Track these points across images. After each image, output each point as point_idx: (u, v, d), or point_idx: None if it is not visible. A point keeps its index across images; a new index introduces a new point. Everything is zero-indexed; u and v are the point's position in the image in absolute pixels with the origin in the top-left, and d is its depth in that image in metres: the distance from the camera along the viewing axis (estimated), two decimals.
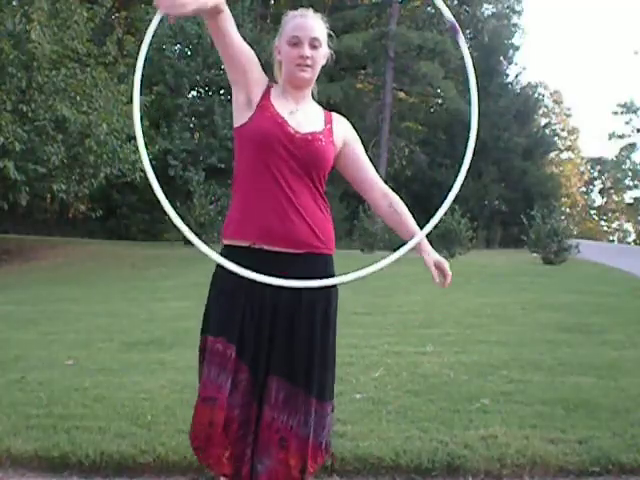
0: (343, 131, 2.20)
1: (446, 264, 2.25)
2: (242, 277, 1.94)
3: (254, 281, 1.94)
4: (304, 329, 2.05)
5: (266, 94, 2.12)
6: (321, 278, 2.01)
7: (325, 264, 2.11)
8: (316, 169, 2.08)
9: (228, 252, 2.07)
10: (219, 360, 2.09)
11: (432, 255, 2.27)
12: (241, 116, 2.11)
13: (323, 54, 2.16)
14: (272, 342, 2.04)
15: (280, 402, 2.03)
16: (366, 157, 2.24)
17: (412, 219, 2.22)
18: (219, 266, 2.06)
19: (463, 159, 1.99)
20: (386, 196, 2.21)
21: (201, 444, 2.05)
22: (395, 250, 2.00)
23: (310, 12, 2.16)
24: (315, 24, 2.13)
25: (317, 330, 2.07)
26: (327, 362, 2.11)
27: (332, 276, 2.10)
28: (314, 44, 2.11)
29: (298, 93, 2.16)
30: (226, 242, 2.12)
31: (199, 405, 2.13)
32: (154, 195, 1.89)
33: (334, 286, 2.11)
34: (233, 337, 2.04)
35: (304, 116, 2.13)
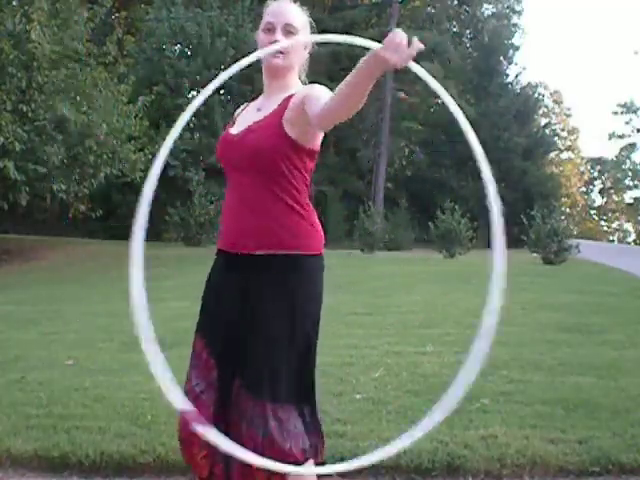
0: (298, 97, 1.96)
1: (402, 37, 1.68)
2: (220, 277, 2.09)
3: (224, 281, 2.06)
4: (254, 323, 1.99)
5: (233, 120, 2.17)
6: (276, 281, 1.97)
7: (283, 264, 1.97)
8: (257, 162, 1.94)
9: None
10: (196, 358, 2.13)
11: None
12: None
13: (300, 42, 2.05)
14: (236, 339, 2.04)
15: (234, 403, 1.99)
16: (314, 95, 1.91)
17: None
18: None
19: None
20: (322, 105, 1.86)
21: (181, 444, 2.08)
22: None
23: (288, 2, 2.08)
24: (289, 9, 2.05)
25: (263, 322, 1.98)
26: (269, 355, 1.97)
27: (290, 277, 1.98)
28: (288, 29, 2.02)
29: (277, 83, 2.07)
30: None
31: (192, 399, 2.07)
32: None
33: (294, 274, 1.98)
34: (206, 335, 2.13)
35: (256, 112, 2.07)
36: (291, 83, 2.08)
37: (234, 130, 2.08)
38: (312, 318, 2.02)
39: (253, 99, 2.19)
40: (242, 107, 2.22)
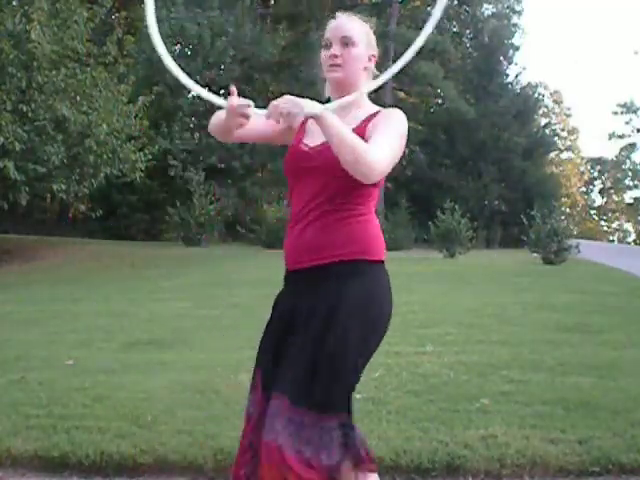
0: (373, 122, 1.99)
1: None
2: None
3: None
4: (302, 335, 1.94)
5: (302, 125, 2.04)
6: (328, 289, 1.93)
7: (334, 273, 1.95)
8: (334, 176, 1.90)
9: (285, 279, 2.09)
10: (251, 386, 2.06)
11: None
12: None
13: (358, 53, 2.01)
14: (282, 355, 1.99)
15: (269, 413, 1.93)
16: (382, 131, 1.94)
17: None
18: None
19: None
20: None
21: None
22: None
23: (345, 14, 2.07)
24: (346, 22, 2.03)
25: (316, 335, 1.92)
26: (328, 368, 1.93)
27: (347, 284, 1.95)
28: (344, 41, 1.99)
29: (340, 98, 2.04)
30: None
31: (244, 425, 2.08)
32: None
33: (351, 289, 1.95)
34: (260, 363, 2.04)
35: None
36: (360, 95, 2.04)
37: (308, 141, 2.01)
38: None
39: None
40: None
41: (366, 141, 1.89)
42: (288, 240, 2.01)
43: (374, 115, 2.02)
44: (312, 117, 1.84)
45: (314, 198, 1.94)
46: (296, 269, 1.99)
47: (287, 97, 1.83)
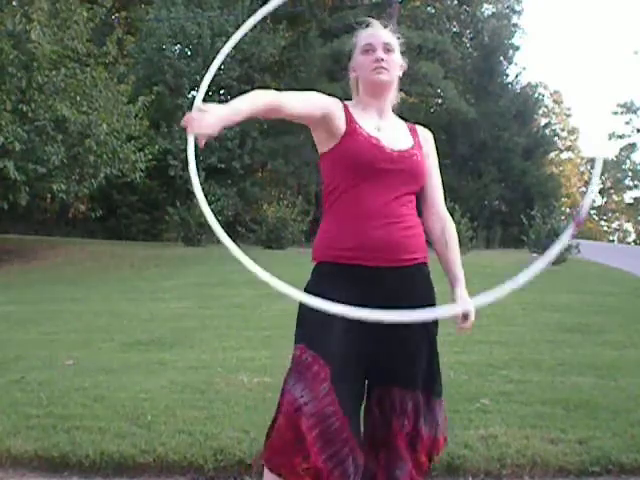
0: (427, 145, 2.22)
1: (472, 314, 2.21)
2: (338, 283, 1.99)
3: (351, 287, 1.98)
4: (416, 334, 2.13)
5: (349, 117, 2.08)
6: (423, 288, 2.18)
7: (426, 275, 2.22)
8: (414, 183, 2.10)
9: (329, 270, 2.03)
10: (306, 370, 1.93)
11: (466, 302, 2.20)
12: (328, 143, 2.08)
13: (398, 59, 2.16)
14: (378, 350, 2.02)
15: (409, 410, 2.08)
16: (438, 175, 2.26)
17: (457, 253, 2.23)
18: (324, 262, 2.05)
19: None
20: (441, 220, 2.20)
21: (278, 453, 1.93)
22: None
23: (378, 23, 2.20)
24: (386, 32, 2.16)
25: (427, 331, 2.22)
26: (436, 360, 2.29)
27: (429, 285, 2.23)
28: (387, 48, 2.11)
29: (379, 105, 2.14)
30: (324, 260, 2.06)
31: (285, 417, 1.92)
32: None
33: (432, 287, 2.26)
34: (328, 356, 1.93)
35: (391, 132, 2.13)
36: (391, 105, 2.20)
37: (387, 143, 2.07)
38: None
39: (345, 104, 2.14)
40: (345, 117, 2.09)
41: (422, 158, 2.14)
42: (369, 234, 1.99)
43: (415, 131, 2.23)
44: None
45: (397, 199, 2.04)
46: (387, 266, 2.03)
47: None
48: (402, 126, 2.21)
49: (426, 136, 2.25)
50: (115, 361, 4.77)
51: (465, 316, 2.20)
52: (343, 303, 1.75)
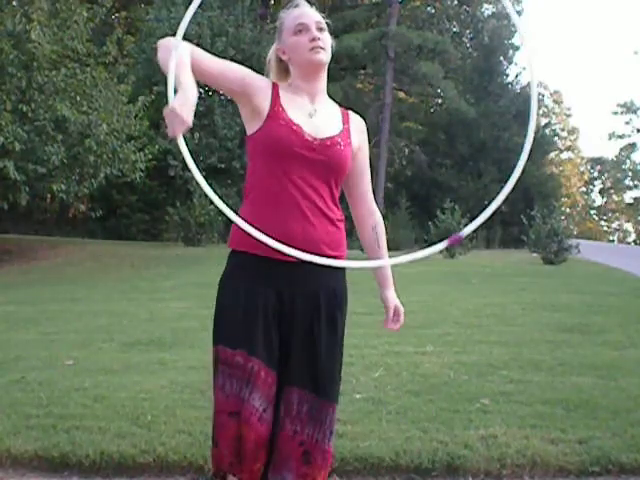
0: (358, 134, 2.10)
1: (402, 310, 2.19)
2: (255, 278, 1.93)
3: (269, 284, 1.93)
4: (325, 336, 1.98)
5: (275, 99, 1.98)
6: (333, 286, 2.01)
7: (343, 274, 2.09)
8: (334, 174, 1.99)
9: (241, 260, 1.99)
10: (240, 373, 1.91)
11: (394, 297, 2.21)
12: (252, 125, 2.00)
13: (329, 40, 2.07)
14: (289, 350, 1.96)
15: (304, 414, 1.94)
16: (368, 167, 2.16)
17: (386, 248, 2.18)
18: (230, 265, 2.01)
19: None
20: (372, 215, 2.15)
21: (233, 459, 1.92)
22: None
23: (304, 2, 2.10)
24: (314, 11, 2.08)
25: (337, 335, 2.02)
26: (339, 365, 2.05)
27: (342, 285, 2.07)
28: (320, 26, 2.04)
29: (313, 88, 2.03)
30: (238, 249, 2.01)
31: (224, 420, 1.92)
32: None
33: (344, 287, 2.08)
34: (254, 349, 1.91)
35: (322, 117, 2.02)
36: (325, 87, 2.09)
37: (308, 129, 1.97)
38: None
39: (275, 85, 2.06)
40: (271, 96, 2.01)
41: (347, 147, 2.01)
42: (287, 228, 1.91)
43: (348, 119, 2.09)
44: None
45: (316, 190, 1.95)
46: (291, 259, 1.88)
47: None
48: (335, 112, 2.08)
49: (360, 126, 2.12)
50: (115, 361, 4.77)
51: (395, 314, 2.14)
52: (257, 297, 1.91)
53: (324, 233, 1.95)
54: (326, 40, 2.04)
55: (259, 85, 2.00)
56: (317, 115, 2.01)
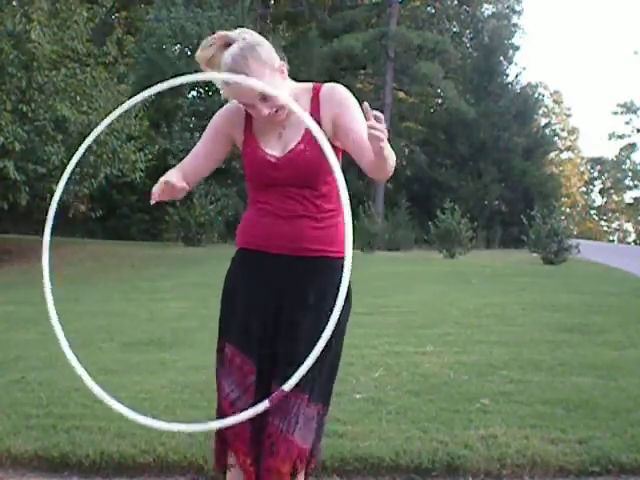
0: (329, 108, 2.00)
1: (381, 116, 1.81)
2: (245, 273, 2.07)
3: (257, 278, 2.02)
4: (306, 331, 1.98)
5: (247, 126, 2.07)
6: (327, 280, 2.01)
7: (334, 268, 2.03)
8: (308, 179, 2.00)
9: (236, 256, 2.15)
10: (222, 359, 2.08)
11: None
12: (239, 146, 2.16)
13: (277, 96, 1.87)
14: (275, 345, 2.02)
15: (274, 405, 1.97)
16: (356, 123, 1.96)
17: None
18: (233, 264, 2.15)
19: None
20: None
21: (225, 452, 2.06)
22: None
23: (236, 68, 1.90)
24: (246, 84, 1.83)
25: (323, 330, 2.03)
26: (327, 362, 2.02)
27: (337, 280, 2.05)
28: (263, 96, 1.90)
29: (279, 116, 2.01)
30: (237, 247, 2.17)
31: (226, 411, 2.03)
32: None
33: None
34: (252, 352, 2.02)
35: (291, 129, 2.01)
36: (293, 95, 2.02)
37: (270, 150, 2.03)
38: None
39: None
40: (242, 126, 2.10)
41: (313, 148, 1.92)
42: (274, 230, 2.02)
43: (317, 101, 2.02)
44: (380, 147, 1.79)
45: (293, 199, 2.01)
46: (290, 254, 2.01)
47: (380, 121, 1.77)
48: (304, 110, 1.93)
49: (328, 97, 2.01)
50: (115, 361, 4.77)
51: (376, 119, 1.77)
52: (243, 290, 2.04)
53: (309, 229, 2.00)
54: (277, 102, 1.91)
55: (230, 124, 2.10)
56: (286, 130, 2.03)
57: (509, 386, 4.00)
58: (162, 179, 1.96)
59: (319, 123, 1.93)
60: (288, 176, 1.99)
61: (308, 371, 1.92)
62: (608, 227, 58.35)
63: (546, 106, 46.59)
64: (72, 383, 4.07)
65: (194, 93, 22.76)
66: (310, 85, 2.08)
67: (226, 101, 2.12)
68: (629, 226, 56.89)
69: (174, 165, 2.18)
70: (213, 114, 2.21)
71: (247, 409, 1.81)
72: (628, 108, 51.00)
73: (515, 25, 33.64)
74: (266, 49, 1.96)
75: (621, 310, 7.19)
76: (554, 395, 3.79)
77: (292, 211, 2.01)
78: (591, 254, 18.14)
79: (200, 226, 18.47)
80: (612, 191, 55.81)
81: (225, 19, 22.22)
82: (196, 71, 1.99)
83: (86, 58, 14.08)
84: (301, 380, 1.88)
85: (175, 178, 1.97)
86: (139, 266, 13.83)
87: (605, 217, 58.11)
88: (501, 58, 31.75)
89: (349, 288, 2.06)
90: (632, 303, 7.86)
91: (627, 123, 51.93)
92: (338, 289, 1.73)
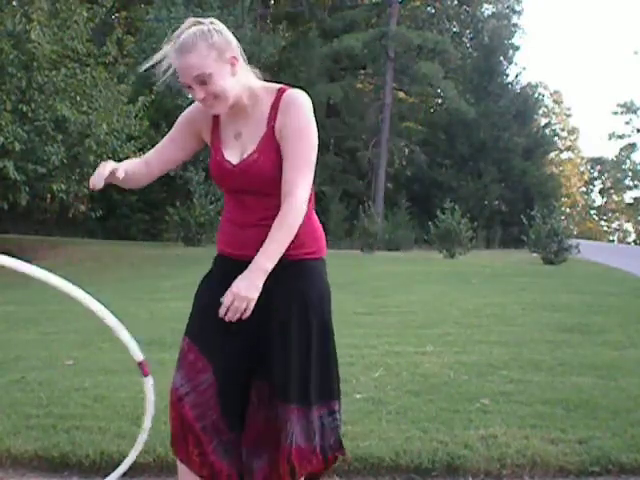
0: (282, 126, 1.95)
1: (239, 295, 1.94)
2: (216, 275, 2.16)
3: (225, 281, 1.99)
4: (278, 335, 2.02)
5: (213, 126, 2.10)
6: (282, 283, 1.98)
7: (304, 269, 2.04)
8: (261, 186, 1.98)
9: (214, 260, 2.22)
10: (189, 368, 2.16)
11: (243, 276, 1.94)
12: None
13: (218, 83, 1.88)
14: (248, 345, 2.05)
15: (260, 405, 2.05)
16: (296, 150, 1.93)
17: (274, 236, 1.91)
18: (213, 264, 2.19)
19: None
20: (284, 200, 1.93)
21: (177, 440, 2.14)
22: None
23: (184, 44, 1.90)
24: (189, 60, 1.87)
25: (293, 333, 2.02)
26: (308, 365, 2.03)
27: (298, 281, 2.03)
28: (201, 79, 1.88)
29: (234, 114, 2.02)
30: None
31: (174, 403, 2.19)
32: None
33: (310, 287, 2.06)
34: (208, 350, 2.09)
35: (247, 134, 2.01)
36: (251, 99, 2.00)
37: (229, 156, 2.03)
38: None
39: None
40: (210, 125, 2.12)
41: (266, 156, 1.96)
42: (240, 234, 2.05)
43: (276, 108, 1.97)
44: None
45: (248, 205, 2.02)
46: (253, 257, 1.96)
47: (234, 295, 1.91)
48: (263, 114, 1.98)
49: (283, 107, 1.96)
50: (115, 361, 4.77)
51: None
52: (211, 290, 2.12)
53: (263, 236, 1.92)
54: (213, 90, 1.89)
55: (196, 118, 2.14)
56: (243, 134, 2.03)
57: (509, 386, 4.00)
58: (101, 164, 1.99)
59: (272, 130, 1.97)
60: (242, 184, 2.00)
61: (292, 383, 1.99)
62: (608, 227, 58.39)
63: (546, 106, 46.63)
64: (72, 383, 4.08)
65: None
66: (276, 87, 2.02)
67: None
68: (629, 226, 56.94)
69: None
70: None
71: (198, 408, 2.05)
72: (628, 108, 51.02)
73: (515, 25, 33.67)
74: (222, 39, 1.93)
75: (621, 310, 7.19)
76: (554, 395, 3.79)
77: (247, 219, 2.02)
78: (591, 254, 18.15)
79: (200, 226, 18.47)
80: (612, 191, 55.83)
81: (225, 19, 22.21)
82: None
83: (86, 58, 14.08)
84: (288, 395, 1.99)
85: (109, 167, 1.97)
86: (139, 266, 13.83)
87: (605, 217, 58.13)
88: (501, 58, 31.78)
89: (326, 285, 2.11)
90: (632, 303, 7.85)
91: (627, 123, 52.00)
92: (287, 288, 1.91)
